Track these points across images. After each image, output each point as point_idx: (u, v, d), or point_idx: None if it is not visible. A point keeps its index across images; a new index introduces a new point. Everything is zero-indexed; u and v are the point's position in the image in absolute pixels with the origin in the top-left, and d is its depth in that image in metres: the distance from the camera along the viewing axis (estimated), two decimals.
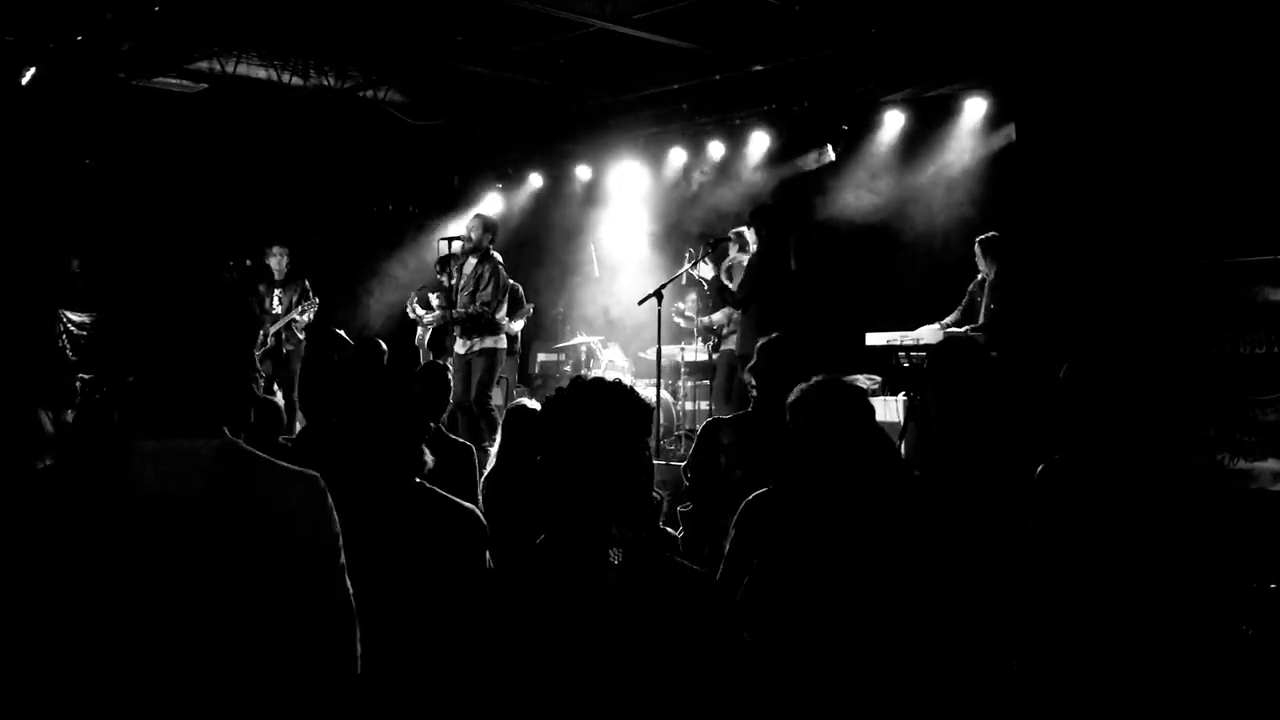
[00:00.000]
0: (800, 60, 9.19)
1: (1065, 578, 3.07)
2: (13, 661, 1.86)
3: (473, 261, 8.51)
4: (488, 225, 8.59)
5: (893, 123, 9.42)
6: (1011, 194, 8.54)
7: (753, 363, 4.43)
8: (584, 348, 10.18)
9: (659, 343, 7.90)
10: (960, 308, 8.01)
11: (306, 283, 9.69)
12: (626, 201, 11.33)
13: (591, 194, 11.76)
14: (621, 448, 2.07)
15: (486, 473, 4.79)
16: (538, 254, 11.81)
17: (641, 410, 2.11)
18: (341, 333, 8.38)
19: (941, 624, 2.67)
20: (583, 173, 11.82)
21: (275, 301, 9.53)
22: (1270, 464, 6.19)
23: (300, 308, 9.53)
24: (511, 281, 8.91)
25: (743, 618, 2.58)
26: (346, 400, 3.03)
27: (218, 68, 9.56)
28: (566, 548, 2.03)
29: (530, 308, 9.79)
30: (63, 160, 10.45)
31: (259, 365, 9.08)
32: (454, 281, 8.66)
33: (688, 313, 9.17)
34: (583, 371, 9.56)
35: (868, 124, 9.55)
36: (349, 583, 2.10)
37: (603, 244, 11.21)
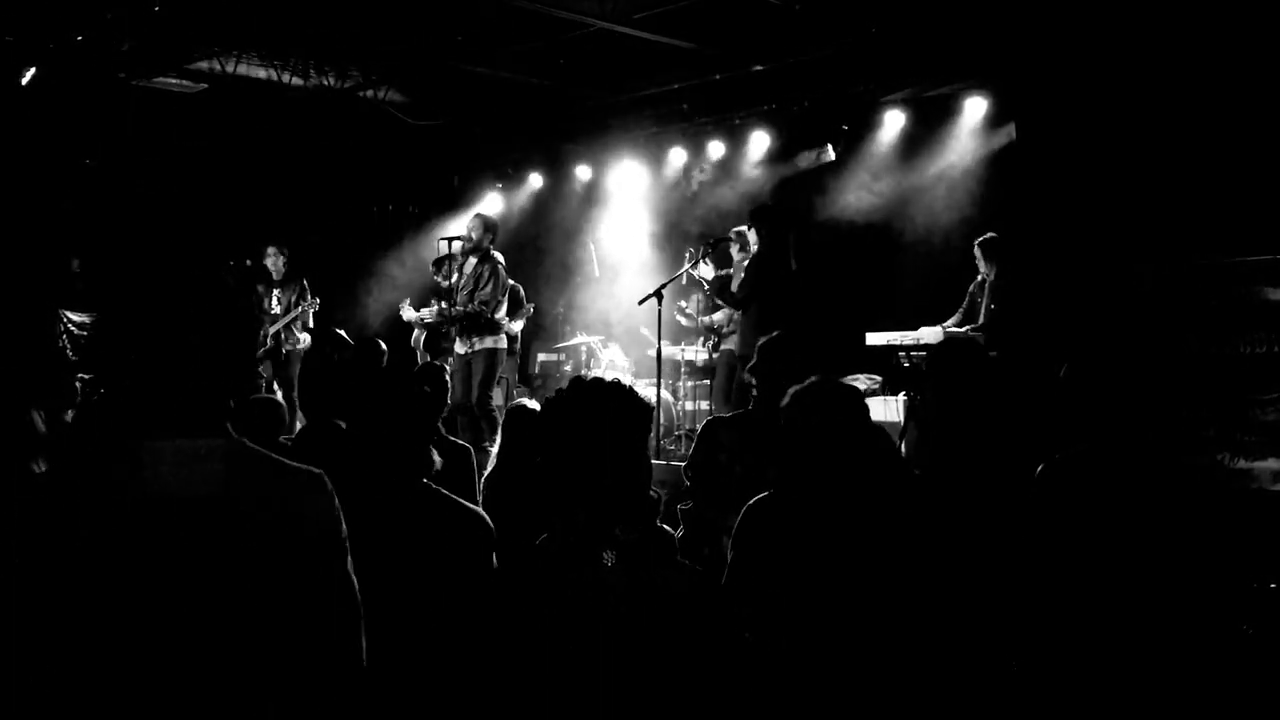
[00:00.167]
0: (800, 60, 9.19)
1: (1065, 577, 3.07)
2: (20, 661, 1.87)
3: (473, 261, 8.51)
4: (488, 225, 8.60)
5: (893, 122, 9.42)
6: (1011, 194, 8.54)
7: (752, 362, 4.43)
8: (584, 348, 10.18)
9: (659, 342, 7.90)
10: (961, 309, 8.02)
11: (305, 282, 9.68)
12: (626, 201, 11.33)
13: (591, 194, 11.76)
14: (622, 447, 2.07)
15: (487, 473, 4.79)
16: (538, 254, 11.81)
17: (641, 410, 2.11)
18: (342, 333, 8.38)
19: (942, 624, 2.67)
20: (583, 173, 11.82)
21: (274, 302, 9.53)
22: (1270, 463, 6.18)
23: (300, 308, 9.53)
24: (511, 282, 8.91)
25: (747, 619, 2.58)
26: (354, 401, 3.03)
27: (218, 68, 9.56)
28: (567, 548, 2.03)
29: (530, 307, 9.79)
30: (63, 160, 10.45)
31: (259, 365, 9.10)
32: (452, 281, 8.67)
33: (689, 310, 9.17)
34: (583, 371, 9.56)
35: (868, 124, 9.55)
36: (355, 581, 2.11)
37: (603, 244, 11.21)
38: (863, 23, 8.49)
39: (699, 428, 4.92)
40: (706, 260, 8.22)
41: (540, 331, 11.54)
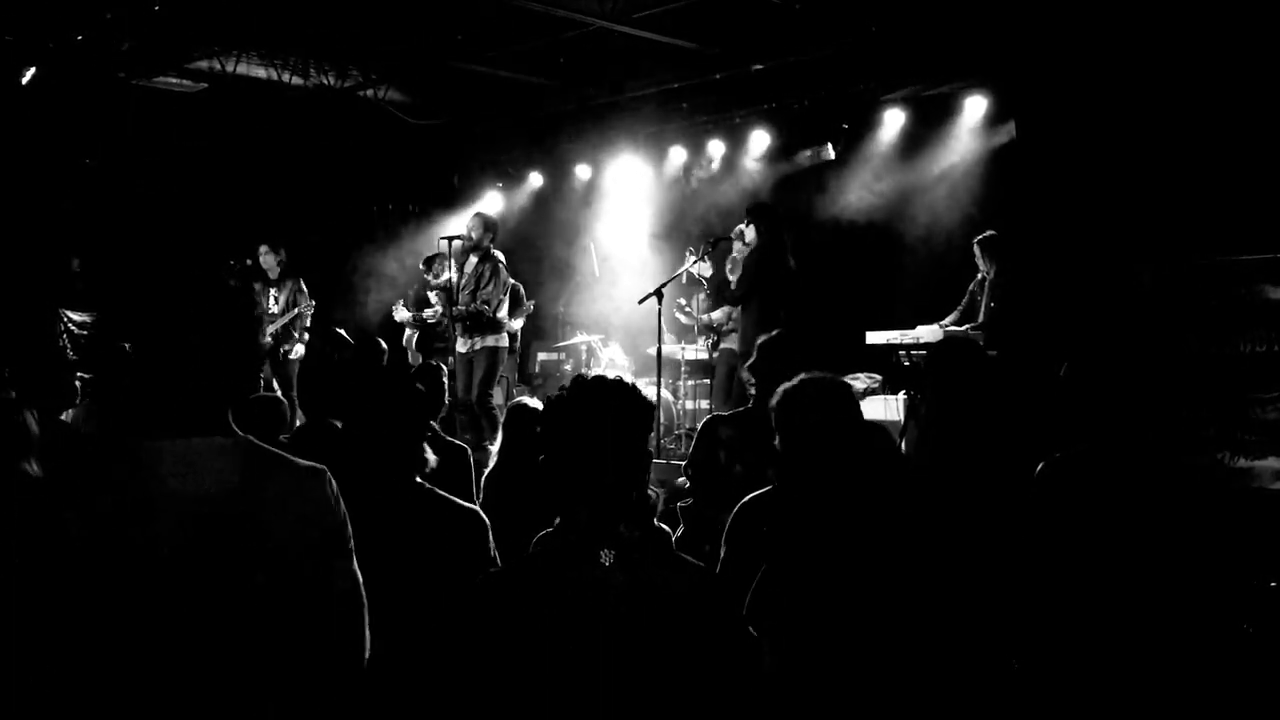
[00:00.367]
0: (800, 59, 9.19)
1: (1065, 576, 3.07)
2: (29, 658, 1.87)
3: (474, 260, 8.53)
4: (488, 224, 8.61)
5: (893, 121, 9.42)
6: (1011, 193, 8.54)
7: (751, 360, 4.43)
8: (584, 346, 10.18)
9: (659, 341, 7.90)
10: (960, 307, 8.02)
11: (301, 281, 9.66)
12: (626, 200, 11.33)
13: (591, 193, 11.76)
14: (625, 445, 2.07)
15: (488, 471, 4.79)
16: (537, 253, 11.81)
17: (644, 408, 2.11)
18: (342, 331, 8.38)
19: (940, 623, 2.67)
20: (583, 171, 11.82)
21: (271, 301, 9.52)
22: (1271, 462, 6.18)
23: (296, 309, 9.52)
24: (512, 280, 8.92)
25: (751, 616, 2.57)
26: (348, 399, 3.03)
27: (218, 67, 9.56)
28: (569, 546, 2.03)
29: (530, 305, 9.79)
30: (63, 160, 10.45)
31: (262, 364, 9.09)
32: (442, 280, 8.71)
33: (689, 309, 9.17)
34: (584, 370, 9.54)
35: (868, 123, 9.55)
36: (359, 575, 2.13)
37: (602, 243, 11.20)
38: (862, 22, 8.49)
39: (699, 426, 4.91)
40: (706, 259, 8.22)
41: (540, 330, 11.54)
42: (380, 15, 8.80)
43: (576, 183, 11.93)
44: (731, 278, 7.74)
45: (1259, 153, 6.94)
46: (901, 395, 7.44)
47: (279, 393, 8.67)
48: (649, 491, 2.11)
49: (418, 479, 2.93)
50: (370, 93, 10.50)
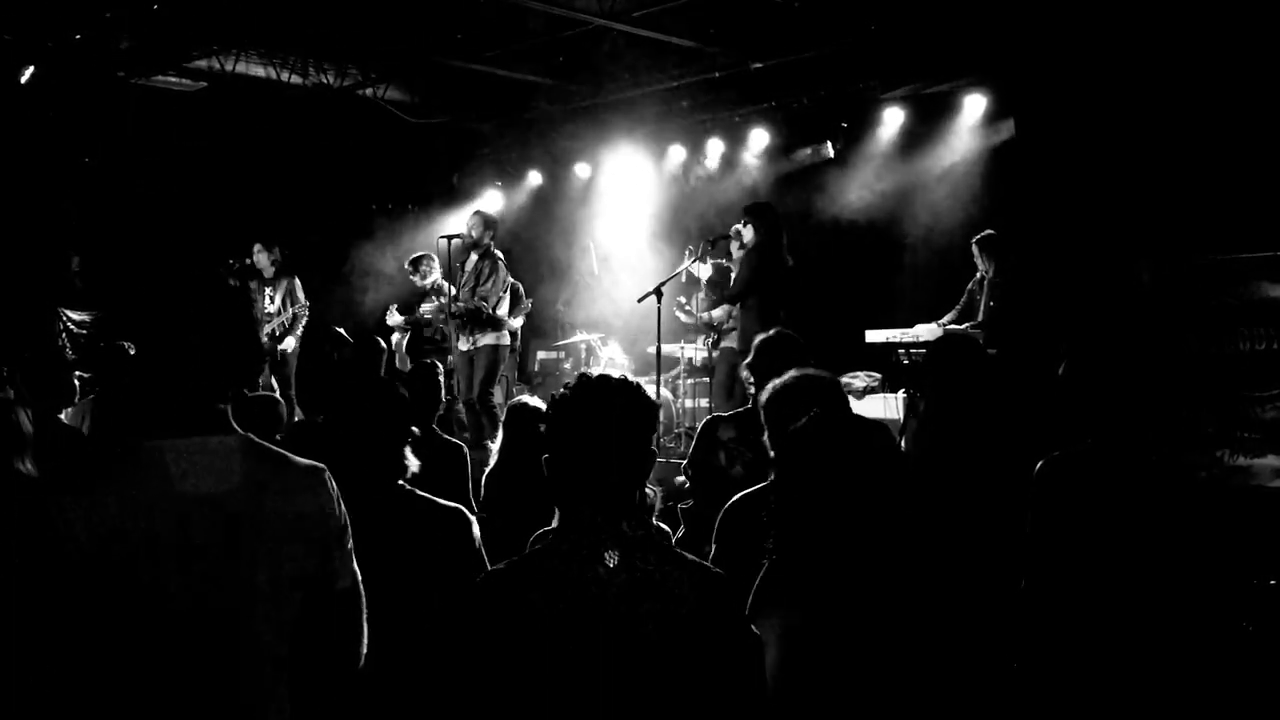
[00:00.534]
0: (799, 57, 9.19)
1: (1065, 575, 3.07)
2: (36, 658, 1.88)
3: (474, 258, 8.54)
4: (488, 222, 8.61)
5: (892, 120, 9.42)
6: (1011, 191, 8.54)
7: (750, 359, 4.43)
8: (583, 345, 10.17)
9: (658, 340, 7.90)
10: (959, 306, 8.01)
11: (296, 280, 9.63)
12: (626, 199, 11.33)
13: (591, 191, 11.75)
14: (629, 445, 2.07)
15: (488, 470, 4.79)
16: (537, 251, 11.80)
17: (648, 408, 2.11)
18: (341, 330, 8.37)
19: (938, 622, 2.67)
20: (582, 170, 11.81)
21: (265, 300, 9.50)
22: (1270, 460, 6.18)
23: (291, 310, 9.50)
24: (511, 279, 8.92)
25: (754, 615, 2.57)
26: (334, 401, 3.04)
27: (217, 66, 9.56)
28: (569, 544, 2.03)
29: (528, 304, 9.79)
30: (62, 159, 10.45)
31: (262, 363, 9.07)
32: (430, 282, 8.72)
33: (689, 308, 9.17)
34: (589, 369, 9.53)
35: (867, 121, 9.56)
36: (358, 572, 2.14)
37: (601, 242, 11.20)
38: (862, 20, 8.49)
39: (699, 425, 4.91)
40: (704, 259, 8.22)
41: (539, 329, 11.54)
42: (379, 13, 8.80)
43: (576, 181, 11.93)
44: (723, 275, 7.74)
45: (1258, 150, 6.94)
46: (901, 394, 7.45)
47: (277, 392, 8.67)
48: (647, 490, 2.12)
49: (400, 482, 2.93)
50: (369, 91, 10.50)
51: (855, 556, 2.50)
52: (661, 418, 8.88)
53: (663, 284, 7.81)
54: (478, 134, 12.10)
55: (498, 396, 8.72)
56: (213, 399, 2.03)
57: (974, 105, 8.93)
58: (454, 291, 8.58)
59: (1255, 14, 6.96)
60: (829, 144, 9.72)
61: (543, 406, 4.40)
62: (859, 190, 9.49)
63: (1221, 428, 6.35)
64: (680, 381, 9.77)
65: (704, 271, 7.97)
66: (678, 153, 10.95)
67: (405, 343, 9.64)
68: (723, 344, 8.58)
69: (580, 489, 2.05)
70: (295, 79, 9.99)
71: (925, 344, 7.32)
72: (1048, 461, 3.17)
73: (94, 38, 8.78)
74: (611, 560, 1.99)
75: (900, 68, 9.01)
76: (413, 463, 2.95)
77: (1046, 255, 7.95)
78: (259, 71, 9.80)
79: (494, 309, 8.42)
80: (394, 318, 9.65)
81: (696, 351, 9.59)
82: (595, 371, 2.14)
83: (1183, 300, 6.72)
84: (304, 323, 9.50)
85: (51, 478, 2.00)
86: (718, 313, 8.78)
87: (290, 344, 9.41)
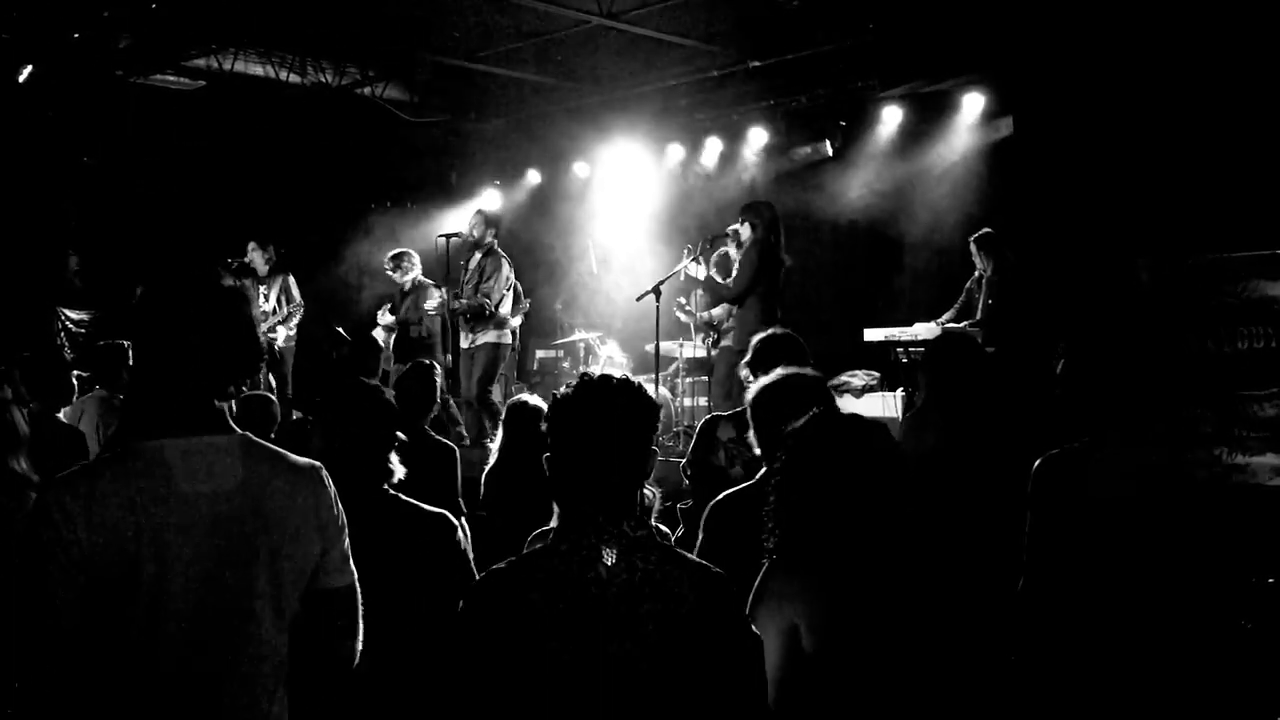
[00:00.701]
0: (798, 56, 9.19)
1: (1063, 573, 3.07)
2: (38, 658, 1.89)
3: (477, 256, 8.56)
4: (489, 220, 8.63)
5: (891, 118, 9.42)
6: (1009, 189, 8.54)
7: (749, 357, 4.43)
8: (582, 344, 10.17)
9: (657, 339, 7.90)
10: (958, 304, 8.01)
11: (291, 279, 9.61)
12: (624, 197, 11.32)
13: (589, 190, 11.75)
14: (630, 444, 2.07)
15: (488, 468, 4.79)
16: (536, 250, 11.80)
17: (650, 408, 2.12)
18: (341, 330, 8.37)
19: (942, 620, 2.67)
20: (581, 169, 11.80)
21: (260, 299, 9.48)
22: (1268, 459, 6.18)
23: (287, 310, 9.49)
24: (513, 278, 8.92)
25: (753, 614, 2.58)
26: (324, 403, 3.04)
27: (215, 65, 9.56)
28: (569, 543, 2.03)
29: (527, 303, 9.79)
30: (62, 158, 10.45)
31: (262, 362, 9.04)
32: (410, 279, 8.77)
33: (689, 306, 9.16)
34: (587, 367, 9.53)
35: (866, 119, 9.55)
36: (355, 571, 2.14)
37: (600, 240, 11.19)
38: (860, 19, 8.50)
39: (698, 424, 4.91)
40: (701, 260, 8.20)
41: (538, 328, 11.53)
42: (378, 12, 8.80)
43: (574, 180, 11.92)
44: (718, 276, 7.72)
45: (1256, 148, 6.95)
46: (899, 392, 7.45)
47: (274, 391, 8.67)
48: (647, 490, 2.12)
49: (384, 487, 2.93)
50: (368, 90, 10.49)
51: (856, 556, 2.50)
52: (660, 417, 8.90)
53: (661, 283, 7.81)
54: (476, 132, 12.09)
55: (496, 395, 8.72)
56: (212, 398, 2.04)
57: (972, 104, 8.93)
58: (446, 291, 8.59)
59: (1253, 13, 6.96)
60: (828, 142, 9.71)
61: (542, 405, 4.40)
62: (858, 189, 9.48)
63: (1220, 426, 6.35)
64: (679, 380, 9.77)
65: (700, 273, 7.95)
66: (676, 151, 10.94)
67: (393, 344, 9.59)
68: (722, 342, 8.58)
69: (581, 488, 2.06)
70: (294, 78, 9.99)
71: (924, 342, 7.32)
72: (1046, 460, 3.17)
73: (93, 37, 8.78)
74: (611, 560, 1.99)
75: (899, 66, 9.01)
76: (398, 469, 2.95)
77: (1045, 253, 7.96)
78: (257, 70, 9.80)
79: (497, 306, 8.43)
80: (385, 317, 9.62)
81: (695, 350, 9.58)
82: (596, 371, 2.14)
83: (1181, 298, 6.72)
84: (297, 321, 9.49)
85: (52, 478, 2.00)
86: (717, 311, 8.77)
87: (282, 334, 9.38)
